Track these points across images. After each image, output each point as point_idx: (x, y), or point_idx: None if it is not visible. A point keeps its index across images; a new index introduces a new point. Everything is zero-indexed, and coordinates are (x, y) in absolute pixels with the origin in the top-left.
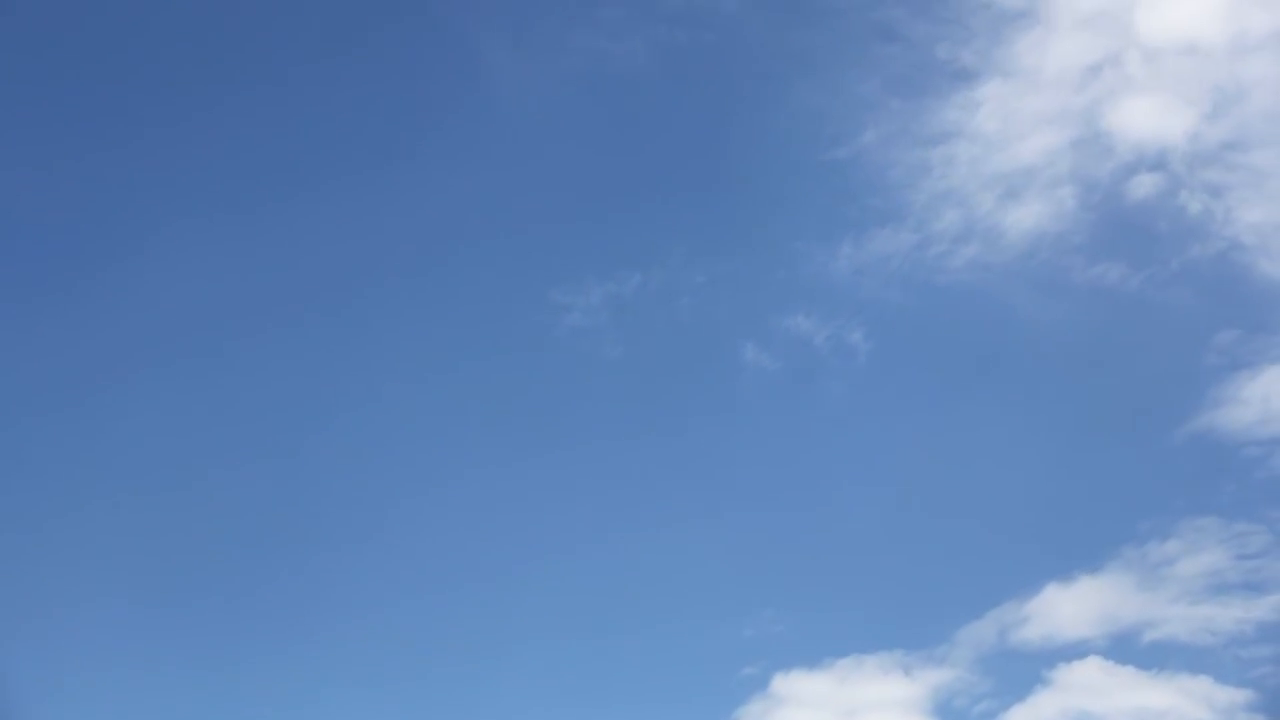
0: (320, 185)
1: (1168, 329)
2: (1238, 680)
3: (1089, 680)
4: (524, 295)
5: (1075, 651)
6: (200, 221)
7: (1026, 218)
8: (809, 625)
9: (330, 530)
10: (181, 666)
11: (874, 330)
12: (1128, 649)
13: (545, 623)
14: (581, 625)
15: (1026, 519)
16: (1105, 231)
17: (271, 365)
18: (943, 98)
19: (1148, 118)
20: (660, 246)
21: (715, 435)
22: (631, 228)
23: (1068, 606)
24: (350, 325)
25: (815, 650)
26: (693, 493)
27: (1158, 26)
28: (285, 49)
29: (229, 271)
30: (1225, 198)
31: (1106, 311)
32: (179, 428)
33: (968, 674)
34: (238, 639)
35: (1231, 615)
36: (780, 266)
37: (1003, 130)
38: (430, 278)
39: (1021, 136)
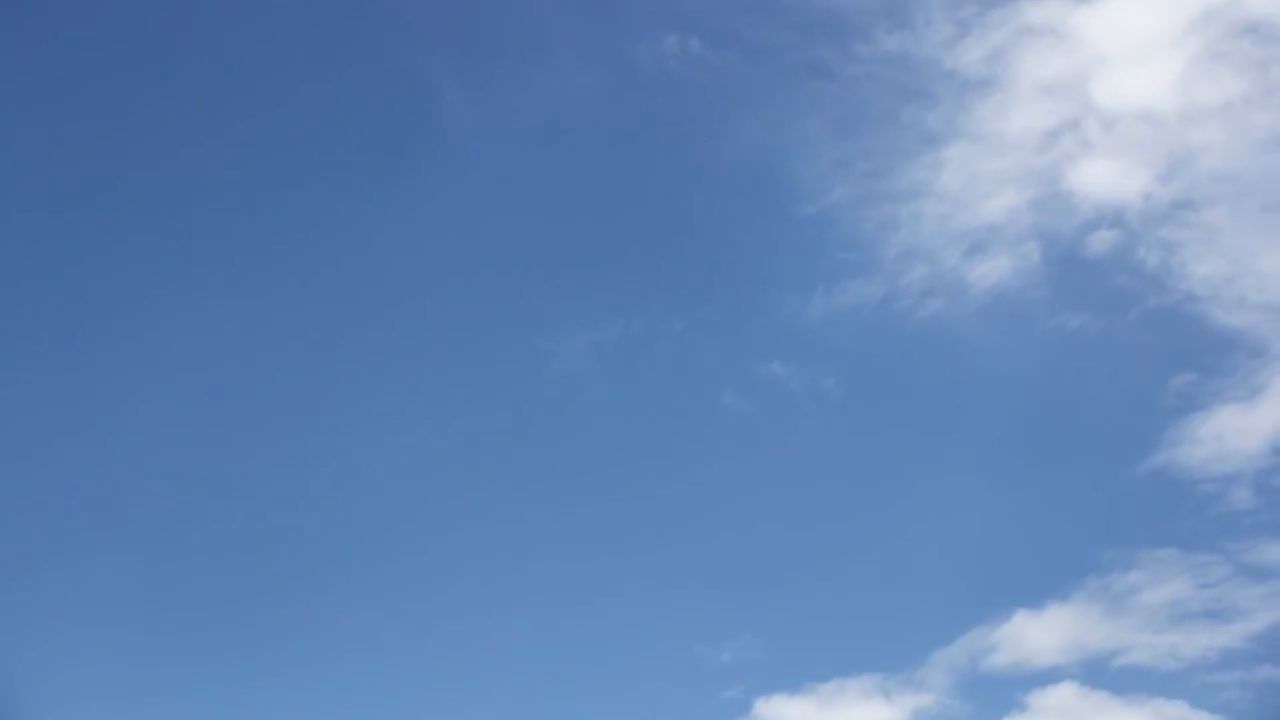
0: (298, 235)
1: (1127, 373)
2: (1211, 705)
3: (1065, 705)
4: (510, 342)
5: (1049, 677)
6: (179, 276)
7: (991, 271)
8: (790, 650)
9: (320, 577)
10: (180, 690)
11: (847, 376)
12: (1099, 675)
13: (532, 652)
14: (566, 654)
15: (995, 550)
16: (1067, 284)
17: (257, 417)
18: (910, 158)
19: (1105, 179)
20: (641, 296)
21: (697, 472)
22: (613, 278)
23: (1038, 633)
24: (334, 375)
25: (797, 675)
26: (675, 526)
27: (1113, 95)
28: (255, 97)
29: (208, 326)
30: (1179, 253)
31: (1069, 357)
32: (173, 470)
33: (946, 698)
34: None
35: (1197, 642)
36: (757, 315)
37: (967, 189)
38: (416, 325)
39: (986, 195)
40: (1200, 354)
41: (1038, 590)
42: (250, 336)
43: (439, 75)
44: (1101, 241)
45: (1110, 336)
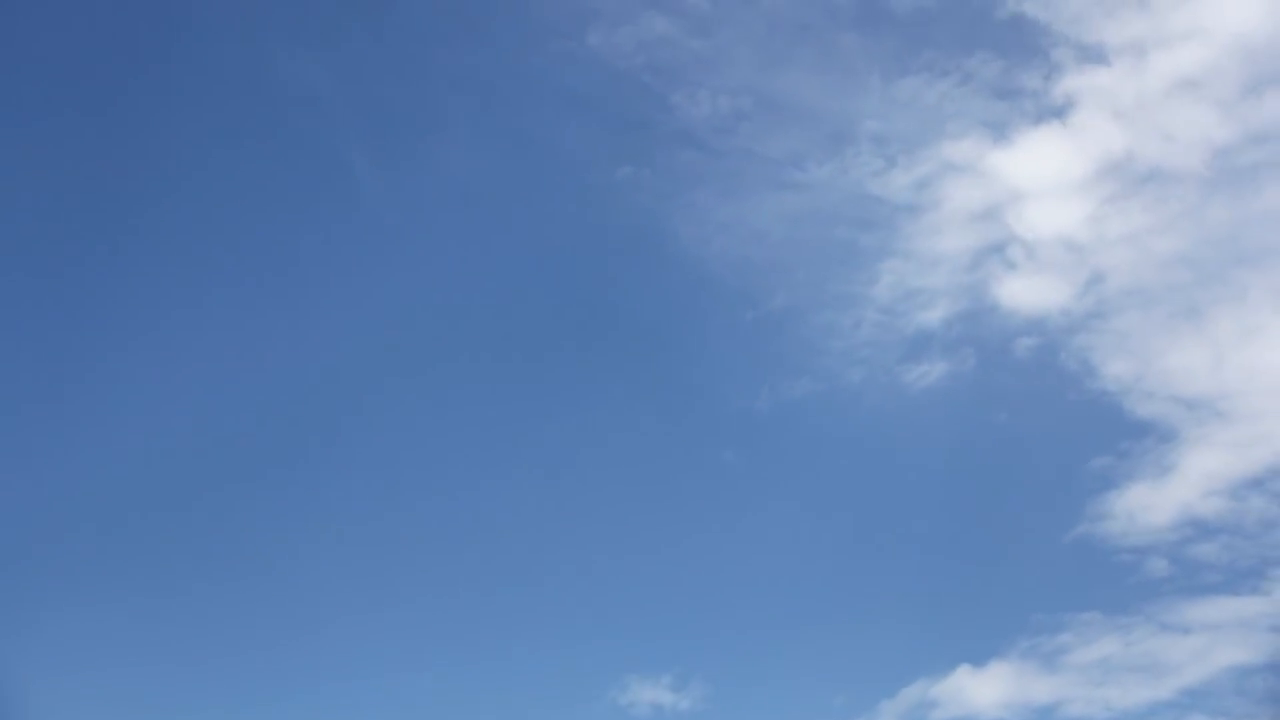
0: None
1: (1051, 458)
2: None
3: None
4: (454, 430)
5: None
6: None
7: (928, 374)
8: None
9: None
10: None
11: (793, 462)
12: None
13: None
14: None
15: (936, 612)
16: (996, 384)
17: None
18: (847, 271)
19: (1028, 295)
20: (590, 389)
21: (658, 544)
22: (561, 372)
23: (980, 687)
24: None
25: None
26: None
27: (1032, 225)
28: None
29: None
30: (1094, 355)
31: (999, 446)
32: None
33: None
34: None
35: (1132, 695)
36: (706, 409)
37: (902, 301)
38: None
39: (920, 307)
40: (1115, 440)
41: (977, 648)
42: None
43: (350, 149)
44: (1026, 348)
45: (1035, 428)
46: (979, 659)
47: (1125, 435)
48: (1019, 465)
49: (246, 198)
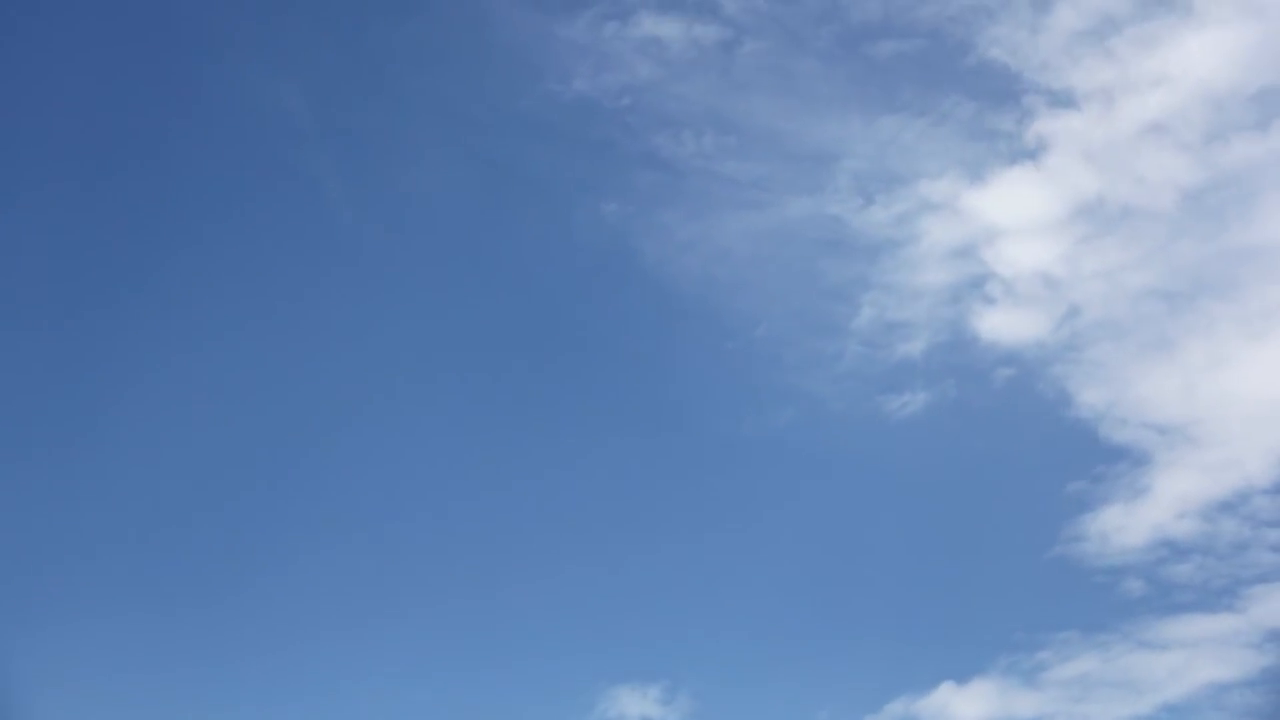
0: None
1: (1029, 482)
2: None
3: None
4: (428, 473)
5: None
6: None
7: (910, 403)
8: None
9: None
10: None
11: (776, 487)
12: None
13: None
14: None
15: (919, 630)
16: (975, 413)
17: None
18: (829, 303)
19: (1006, 328)
20: (569, 407)
21: (649, 558)
22: (540, 390)
23: (964, 703)
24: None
25: None
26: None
27: (1010, 262)
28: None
29: None
30: (1069, 384)
31: (979, 471)
32: None
33: None
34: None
35: (1112, 711)
36: (691, 433)
37: (884, 333)
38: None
39: (901, 338)
40: (1091, 465)
41: (960, 665)
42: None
43: (324, 172)
44: (1004, 378)
45: (1014, 453)
46: (961, 676)
47: (1100, 460)
48: (999, 489)
49: (222, 219)
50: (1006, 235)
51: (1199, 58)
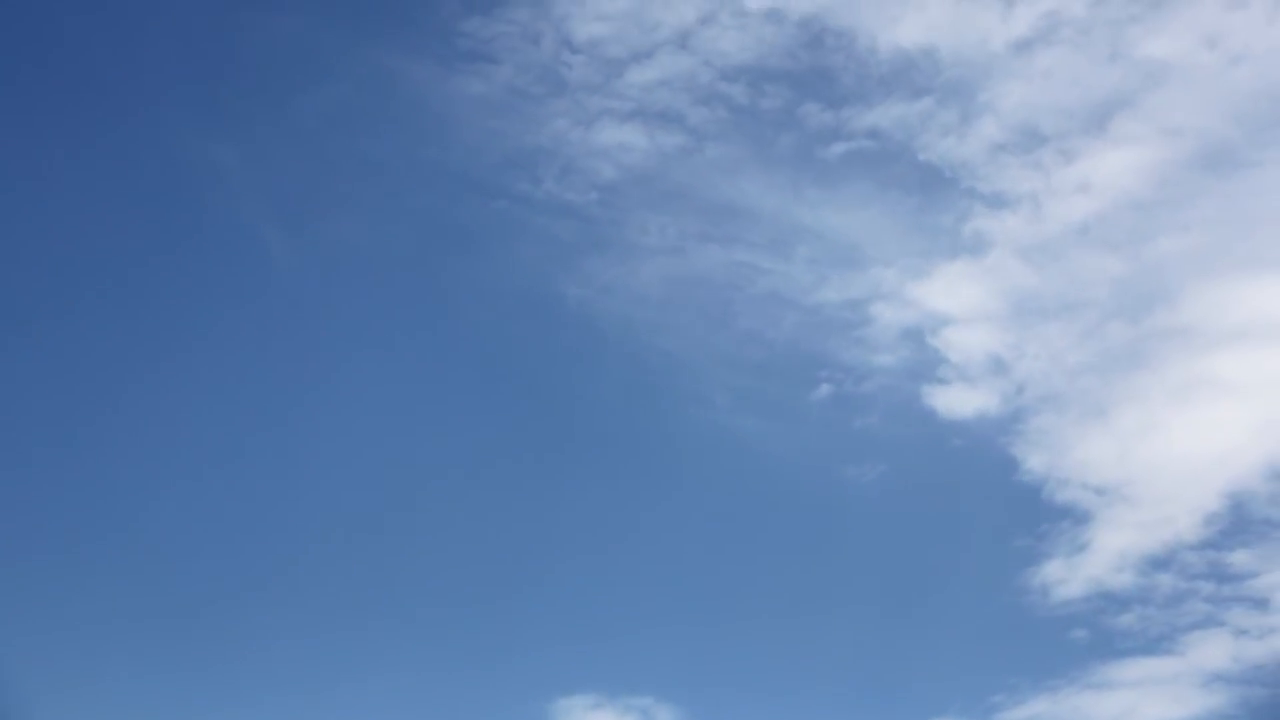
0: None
1: (980, 541)
2: None
3: None
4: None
5: None
6: None
7: (868, 472)
8: None
9: None
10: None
11: (743, 546)
12: None
13: None
14: None
15: (876, 677)
16: (930, 480)
17: None
18: (787, 378)
19: (957, 404)
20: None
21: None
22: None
23: None
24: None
25: None
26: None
27: (958, 346)
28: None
29: None
30: (1014, 451)
31: (933, 531)
32: None
33: None
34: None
35: None
36: (657, 503)
37: (840, 407)
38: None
39: (856, 412)
40: (1036, 524)
41: (918, 708)
42: None
43: (260, 223)
44: (956, 447)
45: (966, 515)
46: (921, 718)
47: (1045, 519)
48: (951, 547)
49: (161, 270)
50: (953, 323)
51: (1119, 170)
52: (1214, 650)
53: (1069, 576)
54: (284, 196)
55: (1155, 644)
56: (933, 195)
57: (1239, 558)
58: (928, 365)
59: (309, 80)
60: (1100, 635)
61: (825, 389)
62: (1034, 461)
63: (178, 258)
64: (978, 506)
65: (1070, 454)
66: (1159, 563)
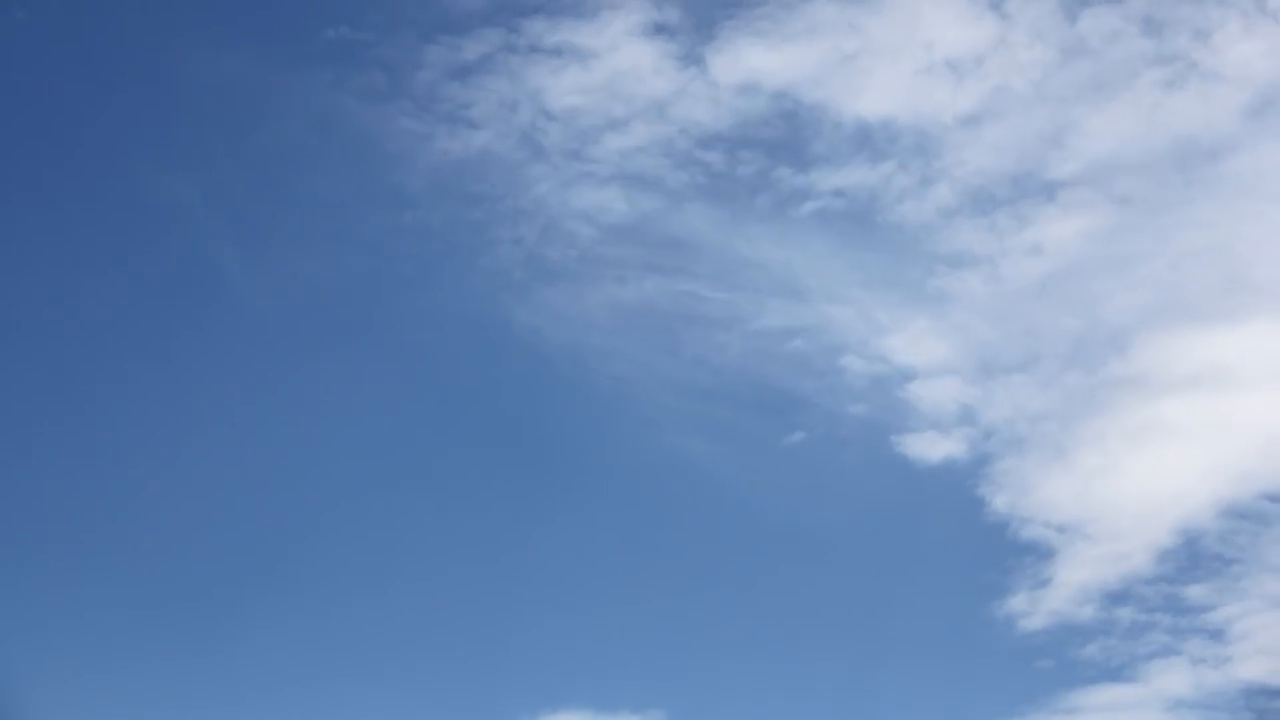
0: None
1: (950, 576)
2: None
3: None
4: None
5: None
6: None
7: (840, 514)
8: None
9: None
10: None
11: (727, 573)
12: None
13: None
14: None
15: (856, 704)
16: (903, 519)
17: None
18: (765, 435)
19: (925, 452)
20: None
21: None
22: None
23: None
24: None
25: None
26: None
27: (926, 397)
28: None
29: None
30: (981, 493)
31: (906, 568)
32: None
33: None
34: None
35: None
36: (637, 551)
37: (815, 451)
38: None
39: (830, 459)
40: (1002, 560)
41: None
42: None
43: (218, 251)
44: (928, 490)
45: (937, 552)
46: None
47: (1010, 555)
48: (923, 582)
49: (129, 300)
50: (919, 375)
51: (1068, 234)
52: (1174, 678)
53: (1034, 609)
54: (243, 230)
55: (1118, 672)
56: (898, 254)
57: (1194, 591)
58: (899, 416)
59: (273, 123)
60: (1065, 664)
61: (798, 436)
62: (1000, 501)
63: (138, 285)
64: (948, 544)
65: (1033, 494)
66: (1118, 596)
